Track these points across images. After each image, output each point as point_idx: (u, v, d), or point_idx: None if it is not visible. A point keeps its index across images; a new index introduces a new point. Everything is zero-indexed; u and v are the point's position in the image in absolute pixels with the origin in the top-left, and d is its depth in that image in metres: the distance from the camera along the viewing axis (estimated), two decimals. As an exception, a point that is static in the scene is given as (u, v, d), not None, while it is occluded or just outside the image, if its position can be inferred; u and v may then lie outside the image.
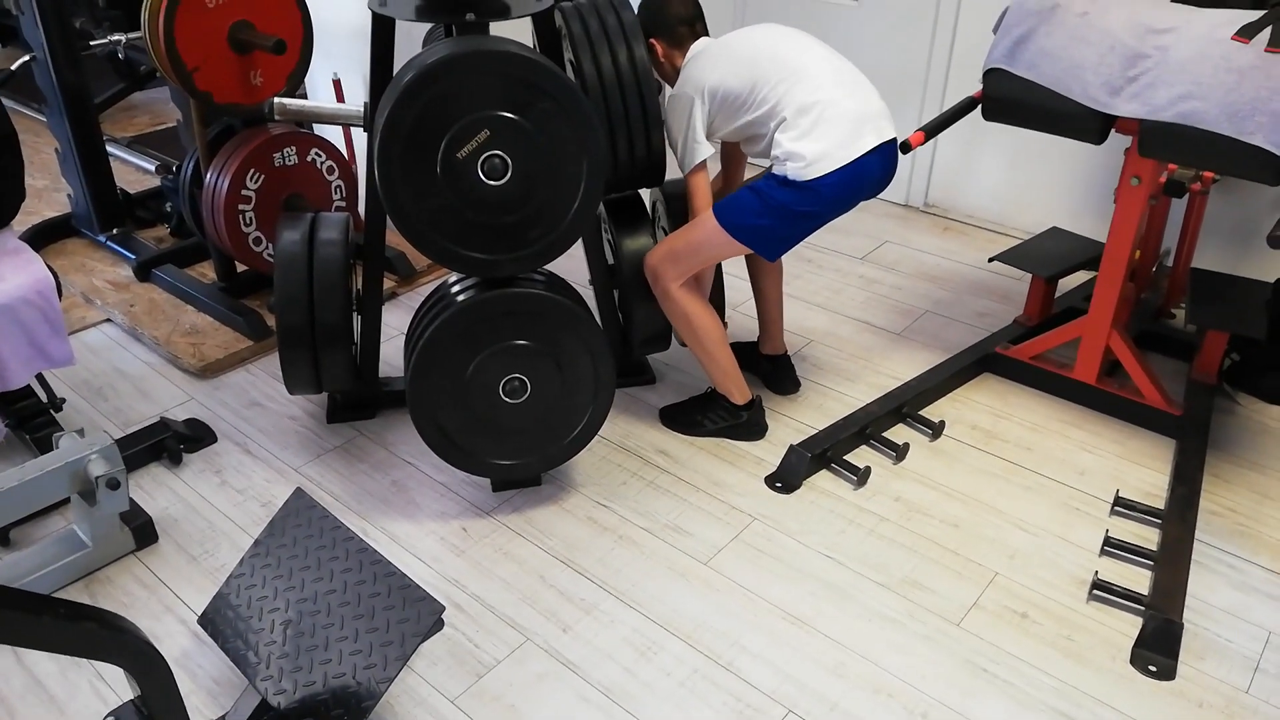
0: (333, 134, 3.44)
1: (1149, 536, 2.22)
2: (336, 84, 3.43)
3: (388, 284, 3.19)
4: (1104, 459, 2.49)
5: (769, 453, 2.50)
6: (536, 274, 2.25)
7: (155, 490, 2.38)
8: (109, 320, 3.13)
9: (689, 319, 2.41)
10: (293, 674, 1.72)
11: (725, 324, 2.58)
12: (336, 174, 3.07)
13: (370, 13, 2.17)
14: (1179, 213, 2.92)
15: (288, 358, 2.34)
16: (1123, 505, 2.30)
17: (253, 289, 3.20)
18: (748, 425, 2.54)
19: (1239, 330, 2.53)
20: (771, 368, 2.75)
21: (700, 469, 2.46)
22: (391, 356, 2.84)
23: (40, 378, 2.43)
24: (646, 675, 1.90)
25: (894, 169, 2.34)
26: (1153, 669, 1.90)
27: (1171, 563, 2.08)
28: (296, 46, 2.87)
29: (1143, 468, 2.46)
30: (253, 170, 2.87)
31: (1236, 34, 2.05)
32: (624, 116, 2.37)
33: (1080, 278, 3.03)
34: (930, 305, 3.23)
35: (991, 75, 2.39)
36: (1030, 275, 2.92)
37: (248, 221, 2.92)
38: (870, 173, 2.25)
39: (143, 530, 2.18)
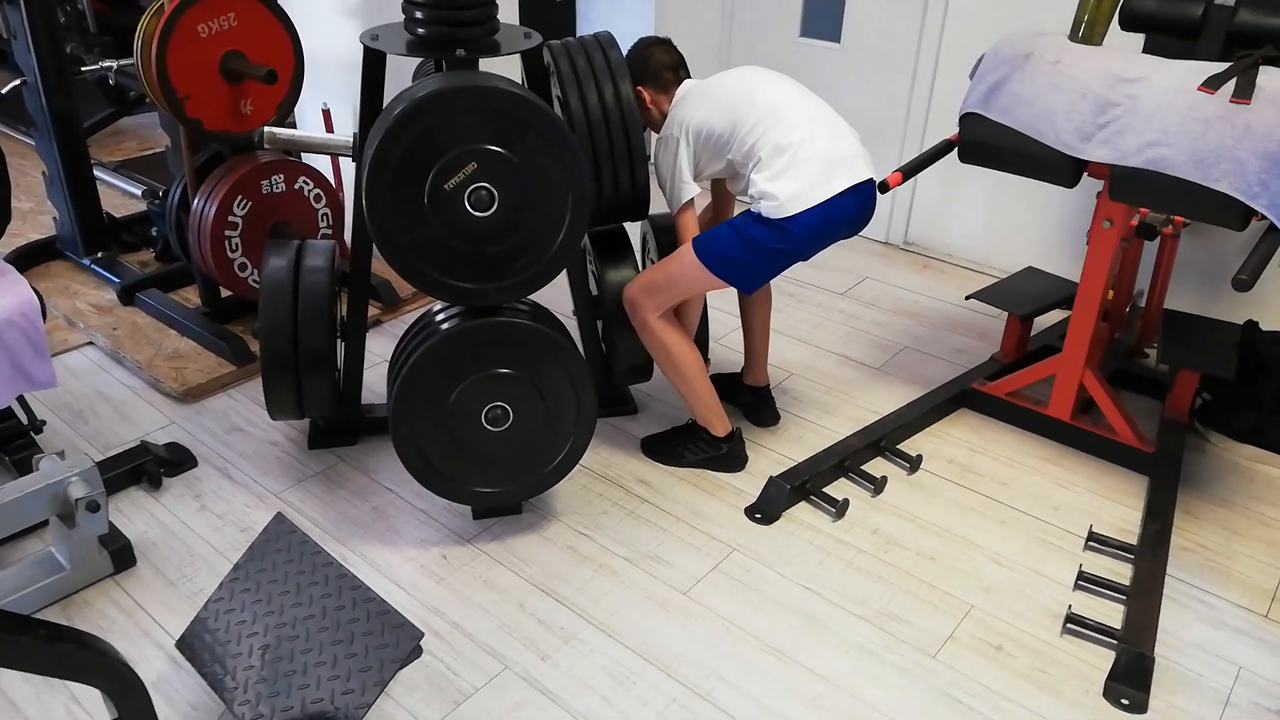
0: (320, 162, 3.47)
1: (1122, 571, 2.25)
2: (326, 114, 3.47)
3: (372, 311, 3.21)
4: (1078, 494, 2.53)
5: (749, 484, 2.53)
6: (520, 304, 2.28)
7: (134, 514, 2.37)
8: (91, 343, 3.13)
9: (668, 350, 2.45)
10: (270, 699, 1.71)
11: (708, 361, 2.62)
12: (323, 202, 3.10)
13: (362, 46, 2.21)
14: (1151, 255, 2.99)
15: (271, 383, 2.35)
16: (1096, 540, 2.33)
17: (236, 314, 3.21)
18: (728, 457, 2.56)
19: (1210, 370, 2.59)
20: (753, 399, 2.78)
21: (681, 499, 2.48)
22: (374, 383, 2.85)
23: (21, 399, 2.43)
24: (625, 704, 1.90)
25: (870, 209, 2.39)
26: (1125, 702, 1.92)
27: (1143, 597, 2.12)
28: (287, 76, 2.91)
29: (1116, 504, 2.50)
30: (240, 197, 2.89)
31: (1203, 84, 2.12)
32: (609, 151, 2.41)
33: (1056, 316, 3.10)
34: (909, 341, 3.28)
35: (967, 119, 2.45)
36: (1006, 313, 2.98)
37: (233, 247, 2.93)
38: (843, 213, 2.30)
39: (121, 554, 2.18)
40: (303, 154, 3.22)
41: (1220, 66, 2.15)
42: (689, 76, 2.52)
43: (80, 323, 3.17)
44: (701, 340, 2.79)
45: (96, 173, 3.49)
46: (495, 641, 2.04)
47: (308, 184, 3.04)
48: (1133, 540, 2.33)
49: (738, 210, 2.44)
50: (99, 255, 3.44)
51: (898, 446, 2.67)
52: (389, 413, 2.15)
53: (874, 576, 2.24)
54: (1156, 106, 2.17)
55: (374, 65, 2.26)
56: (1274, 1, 2.29)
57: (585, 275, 2.65)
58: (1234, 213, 2.11)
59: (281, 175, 2.96)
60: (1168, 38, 2.50)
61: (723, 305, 2.83)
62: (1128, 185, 2.25)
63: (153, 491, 2.45)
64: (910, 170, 2.58)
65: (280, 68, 2.84)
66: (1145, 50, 2.57)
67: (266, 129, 2.31)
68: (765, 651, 2.03)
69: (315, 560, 1.86)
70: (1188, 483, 2.55)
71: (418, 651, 1.72)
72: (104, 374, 2.98)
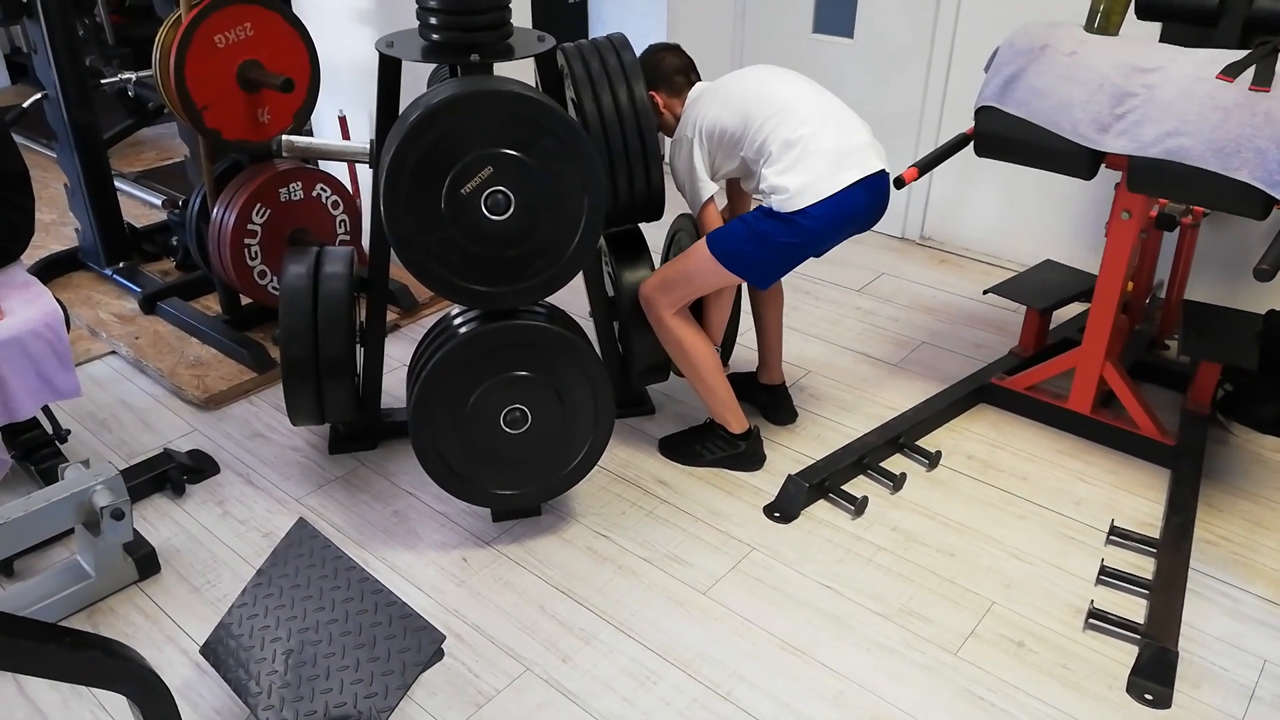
0: (337, 169, 3.50)
1: (1144, 565, 2.24)
2: (342, 120, 3.49)
3: (391, 316, 3.23)
4: (1099, 489, 2.51)
5: (767, 482, 2.52)
6: (538, 306, 2.29)
7: (158, 521, 2.40)
8: (114, 352, 3.16)
9: (683, 346, 2.45)
10: (294, 703, 1.73)
11: (728, 363, 2.61)
12: (341, 208, 3.12)
13: (377, 53, 2.22)
14: (1171, 245, 2.97)
15: (291, 389, 2.37)
16: (1118, 534, 2.32)
17: (257, 321, 3.24)
18: (745, 455, 2.56)
19: (1231, 361, 2.56)
20: (769, 397, 2.78)
21: (699, 499, 2.48)
22: (393, 387, 2.87)
23: (46, 409, 2.47)
24: (645, 705, 1.91)
25: (884, 202, 2.38)
26: (1149, 698, 1.91)
27: (1167, 591, 2.10)
28: (304, 85, 2.94)
29: (1138, 497, 2.48)
30: (259, 205, 2.91)
31: (1221, 73, 2.10)
32: (624, 153, 2.42)
33: (1075, 309, 3.07)
34: (927, 336, 3.27)
35: (983, 113, 2.44)
36: (1025, 307, 2.96)
37: (253, 255, 2.96)
38: (855, 205, 2.29)
39: (146, 561, 2.20)
40: (320, 161, 3.25)
41: (1239, 54, 2.13)
42: (699, 79, 2.54)
43: (103, 332, 3.21)
44: (729, 340, 2.80)
45: (117, 183, 3.53)
46: (516, 643, 2.05)
47: (325, 191, 3.06)
48: (1155, 534, 2.31)
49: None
50: (120, 265, 3.49)
51: (916, 443, 2.66)
52: (408, 416, 2.16)
53: (894, 574, 2.23)
54: (1174, 96, 2.15)
55: (389, 72, 2.28)
56: (1292, -13, 2.27)
57: (601, 277, 2.66)
58: (1254, 202, 2.08)
59: (299, 183, 2.99)
60: (1185, 26, 2.49)
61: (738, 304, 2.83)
62: (1146, 176, 2.23)
63: (176, 498, 2.48)
64: (926, 165, 2.57)
65: (297, 76, 2.86)
66: (1162, 39, 2.55)
67: (284, 137, 2.33)
68: (786, 650, 2.03)
69: (337, 564, 1.88)
70: (1210, 475, 2.52)
71: (439, 654, 1.73)
72: (127, 383, 3.01)
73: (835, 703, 1.91)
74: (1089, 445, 2.67)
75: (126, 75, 4.07)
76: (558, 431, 2.22)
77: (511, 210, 1.98)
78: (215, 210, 2.97)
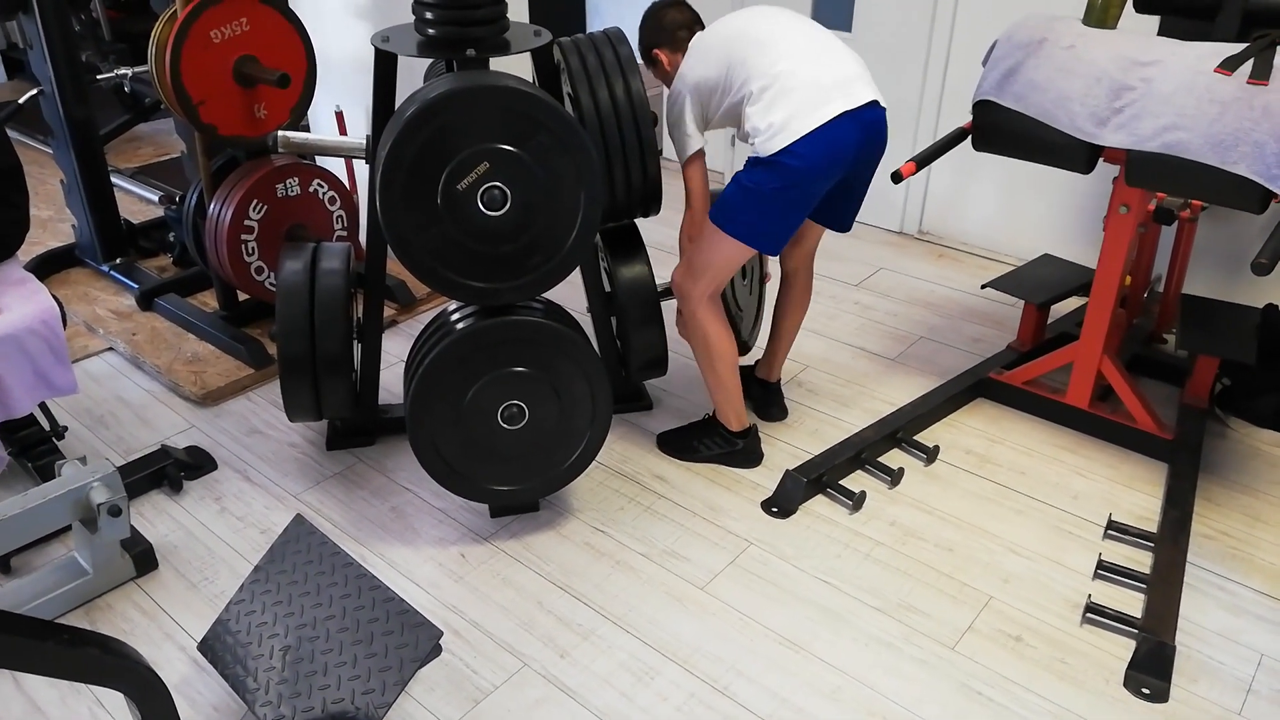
0: (334, 164, 3.49)
1: (1142, 560, 2.24)
2: (339, 116, 3.48)
3: (388, 312, 3.23)
4: (1097, 483, 2.51)
5: (765, 478, 2.52)
6: (535, 302, 2.29)
7: (156, 517, 2.40)
8: (111, 349, 3.16)
9: (707, 341, 2.43)
10: (292, 700, 1.73)
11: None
12: (338, 204, 3.12)
13: (373, 48, 2.22)
14: (1169, 239, 2.96)
15: (289, 386, 2.36)
16: (1115, 529, 2.32)
17: (254, 317, 3.24)
18: (743, 453, 2.56)
19: (1229, 355, 2.56)
20: (762, 393, 2.78)
21: (697, 494, 2.48)
22: (391, 383, 2.86)
23: (43, 406, 2.46)
24: (644, 700, 1.91)
25: (880, 135, 2.28)
26: (1146, 691, 1.91)
27: (1164, 586, 2.10)
28: (300, 80, 2.93)
29: (1135, 491, 2.48)
30: (256, 201, 2.91)
31: (1219, 66, 2.10)
32: (620, 147, 2.41)
33: (1073, 303, 3.07)
34: (925, 331, 3.27)
35: (981, 106, 2.44)
36: (1023, 302, 2.96)
37: (250, 251, 2.96)
38: (844, 138, 2.18)
39: (143, 557, 2.20)
40: (317, 157, 3.24)
41: (1237, 47, 2.12)
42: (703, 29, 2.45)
43: (100, 329, 3.20)
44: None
45: (113, 179, 3.52)
46: (514, 639, 2.05)
47: (322, 186, 3.06)
48: (1153, 528, 2.31)
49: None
50: (117, 261, 3.48)
51: (914, 438, 2.66)
52: (406, 413, 2.16)
53: (892, 569, 2.24)
54: (1173, 89, 2.15)
55: (385, 67, 2.27)
56: (1291, -20, 2.26)
57: (598, 272, 2.65)
58: (1253, 195, 2.08)
59: (296, 179, 2.98)
60: (1183, 19, 2.48)
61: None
62: (1144, 170, 2.23)
63: (173, 495, 2.48)
64: (924, 160, 2.56)
65: (293, 71, 2.85)
66: (1160, 32, 2.55)
67: (280, 133, 2.32)
68: (783, 645, 2.03)
69: (334, 561, 1.88)
70: (1208, 469, 2.52)
71: (437, 650, 1.73)
72: (124, 379, 3.01)
73: (833, 698, 1.91)
74: (1087, 440, 2.67)
75: (123, 71, 4.05)
76: (555, 427, 2.22)
77: (508, 206, 1.98)
78: (212, 206, 2.97)
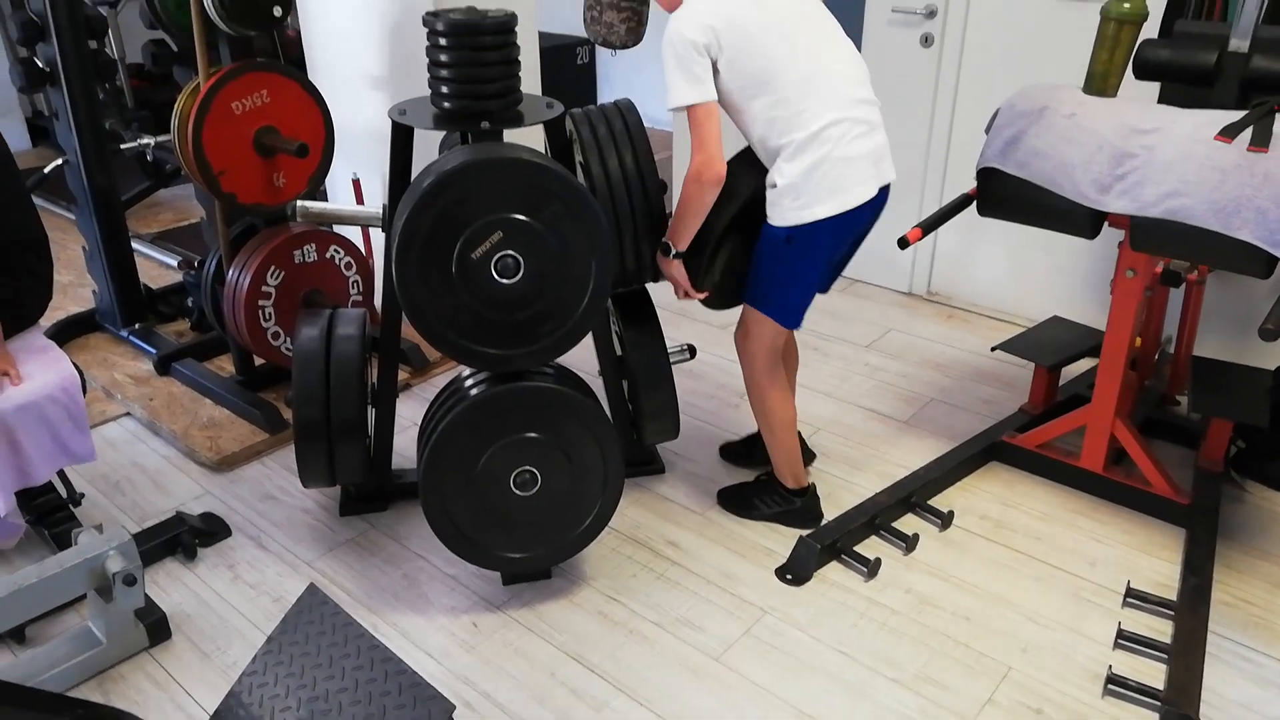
0: (351, 230, 3.55)
1: (1162, 628, 2.21)
2: (356, 184, 3.55)
3: (402, 375, 3.25)
4: (1114, 549, 2.49)
5: (778, 544, 2.51)
6: (547, 367, 2.31)
7: (169, 585, 2.40)
8: (128, 414, 3.19)
9: (764, 401, 2.46)
10: (302, 775, 1.71)
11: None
12: (354, 269, 3.16)
13: (390, 120, 2.27)
14: (1178, 301, 2.97)
15: (304, 452, 2.38)
16: (1134, 596, 2.29)
17: (270, 382, 3.27)
18: (801, 511, 2.56)
19: (1242, 418, 2.55)
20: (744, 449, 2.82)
21: (710, 561, 2.47)
22: (404, 448, 2.88)
23: (61, 473, 2.48)
24: (658, 774, 1.88)
25: (880, 212, 2.34)
26: (1171, 767, 1.87)
27: (1186, 656, 2.07)
28: (319, 149, 3.00)
29: (1153, 557, 2.45)
30: (273, 267, 2.96)
31: (1219, 134, 2.13)
32: (630, 215, 2.45)
33: (1085, 364, 3.07)
34: (936, 393, 3.27)
35: (985, 174, 2.47)
36: (1033, 364, 2.96)
37: (267, 316, 3.00)
38: (863, 216, 2.26)
39: (156, 627, 2.20)
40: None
41: (1236, 115, 2.16)
42: None
43: (118, 394, 3.24)
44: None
45: (134, 244, 3.59)
46: (526, 712, 2.03)
47: (339, 252, 3.11)
48: (1172, 595, 2.28)
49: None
50: (136, 326, 3.53)
51: (928, 502, 2.65)
52: (419, 480, 2.17)
53: (909, 638, 2.21)
54: (1173, 156, 2.18)
55: (402, 139, 2.33)
56: (1288, 49, 2.30)
57: (610, 336, 2.68)
58: (1258, 261, 2.10)
59: (313, 245, 3.03)
60: (1183, 86, 2.52)
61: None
62: (1149, 235, 2.25)
63: (187, 562, 2.48)
64: (929, 225, 2.59)
65: (311, 141, 2.92)
66: (1161, 98, 2.59)
67: (299, 203, 2.37)
68: (800, 719, 2.00)
69: (347, 632, 1.87)
70: (1226, 534, 2.50)
71: (449, 724, 1.71)
72: (140, 444, 3.03)
73: (850, 772, 1.88)
74: (1103, 504, 2.65)
75: (145, 140, 4.16)
76: (568, 493, 2.22)
77: (521, 274, 2.01)
78: (231, 272, 3.02)
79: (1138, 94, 2.55)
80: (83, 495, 2.59)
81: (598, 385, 2.64)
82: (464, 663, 2.16)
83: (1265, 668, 2.11)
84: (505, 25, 2.15)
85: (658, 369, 2.57)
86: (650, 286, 2.69)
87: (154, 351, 3.39)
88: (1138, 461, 2.59)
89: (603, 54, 6.20)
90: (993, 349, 3.04)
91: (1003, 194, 2.46)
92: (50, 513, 2.49)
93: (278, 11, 2.77)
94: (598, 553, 2.48)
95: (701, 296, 2.45)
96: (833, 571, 2.42)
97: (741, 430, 2.96)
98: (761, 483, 2.64)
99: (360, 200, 3.55)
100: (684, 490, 2.73)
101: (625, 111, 2.55)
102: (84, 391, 2.36)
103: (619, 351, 2.72)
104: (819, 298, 2.41)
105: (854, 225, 2.28)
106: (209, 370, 3.31)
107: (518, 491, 2.19)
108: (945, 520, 2.58)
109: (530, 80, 3.29)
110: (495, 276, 2.01)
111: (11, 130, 5.85)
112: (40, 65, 3.19)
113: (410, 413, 3.09)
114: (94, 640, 2.13)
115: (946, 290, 3.97)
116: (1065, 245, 3.42)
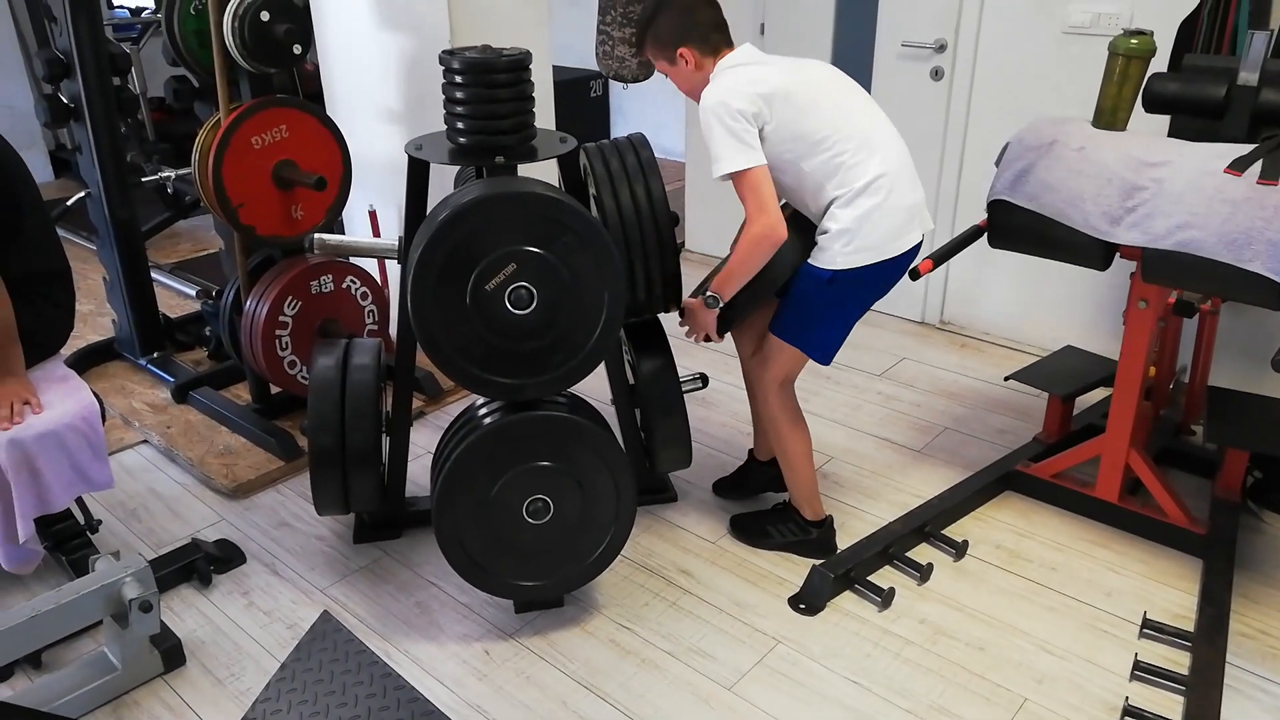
0: (367, 260, 3.59)
1: (1179, 660, 2.19)
2: (372, 215, 3.60)
3: (416, 404, 3.28)
4: (1130, 579, 2.47)
5: (791, 573, 2.51)
6: (560, 396, 2.33)
7: (184, 612, 2.41)
8: (146, 441, 3.22)
9: (780, 429, 2.48)
10: (315, 803, 1.72)
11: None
12: (370, 299, 3.20)
13: (406, 155, 2.32)
14: (1192, 331, 2.97)
15: (319, 480, 2.40)
16: (1151, 627, 2.27)
17: (286, 410, 3.30)
18: (817, 542, 2.56)
19: (1257, 449, 2.54)
20: (777, 471, 2.80)
21: (723, 589, 2.47)
22: (418, 475, 2.89)
23: (79, 500, 2.50)
24: (670, 806, 1.87)
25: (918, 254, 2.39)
26: (1190, 801, 1.85)
27: (1203, 688, 2.05)
28: (336, 182, 3.05)
29: (1170, 588, 2.43)
30: (291, 297, 3.00)
31: (1229, 167, 2.14)
32: (641, 246, 2.48)
33: (1099, 392, 3.07)
34: (949, 422, 3.27)
35: (995, 206, 2.49)
36: (1047, 393, 2.96)
37: (284, 346, 3.03)
38: (905, 262, 2.32)
39: (172, 653, 2.21)
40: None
41: (1246, 148, 2.17)
42: (732, 46, 2.31)
43: (135, 421, 3.27)
44: None
45: (153, 274, 3.64)
46: (539, 740, 2.03)
47: (355, 283, 3.15)
48: (1189, 627, 2.26)
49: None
50: (154, 355, 3.57)
51: (943, 532, 2.64)
52: (432, 508, 2.18)
53: (923, 668, 2.20)
54: (1183, 189, 2.19)
55: (418, 173, 2.37)
56: (1297, 81, 2.32)
57: (623, 365, 2.70)
58: (1270, 292, 2.10)
59: (330, 275, 3.07)
60: (1192, 118, 2.54)
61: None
62: (1160, 267, 2.26)
63: (202, 589, 2.49)
64: (941, 257, 2.60)
65: (329, 174, 2.97)
66: (1171, 132, 2.60)
67: (317, 235, 2.41)
68: (813, 749, 1.99)
69: (360, 659, 1.88)
70: (1244, 565, 2.48)
71: (461, 753, 1.72)
72: (157, 472, 3.06)
73: (864, 805, 1.86)
74: (1118, 534, 2.63)
75: (166, 173, 4.23)
76: (580, 521, 2.23)
77: (534, 305, 2.04)
78: (249, 302, 3.06)
79: (1147, 128, 2.57)
80: (100, 522, 2.61)
81: (610, 414, 2.66)
82: (476, 690, 2.15)
83: (1285, 701, 2.09)
84: (519, 63, 2.19)
85: (670, 397, 2.58)
86: (662, 316, 2.71)
87: (172, 380, 3.43)
88: (1153, 491, 2.57)
89: (615, 87, 6.29)
90: (1006, 378, 3.04)
91: (1013, 226, 2.48)
92: (68, 539, 2.52)
93: (298, 49, 2.83)
94: (610, 581, 2.48)
95: (719, 341, 2.49)
96: (846, 601, 2.41)
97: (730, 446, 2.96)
98: (778, 510, 2.64)
99: (376, 232, 3.59)
100: (696, 518, 2.73)
101: (638, 146, 2.58)
102: (103, 420, 2.39)
103: (631, 380, 2.74)
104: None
105: (898, 271, 2.33)
106: (226, 398, 3.34)
107: (531, 520, 2.20)
108: (960, 550, 2.57)
109: (544, 113, 3.33)
110: (509, 307, 2.03)
111: (35, 162, 5.96)
112: (65, 101, 3.26)
113: (424, 440, 3.11)
114: (109, 666, 2.14)
115: (959, 319, 3.98)
116: (1077, 275, 3.42)
